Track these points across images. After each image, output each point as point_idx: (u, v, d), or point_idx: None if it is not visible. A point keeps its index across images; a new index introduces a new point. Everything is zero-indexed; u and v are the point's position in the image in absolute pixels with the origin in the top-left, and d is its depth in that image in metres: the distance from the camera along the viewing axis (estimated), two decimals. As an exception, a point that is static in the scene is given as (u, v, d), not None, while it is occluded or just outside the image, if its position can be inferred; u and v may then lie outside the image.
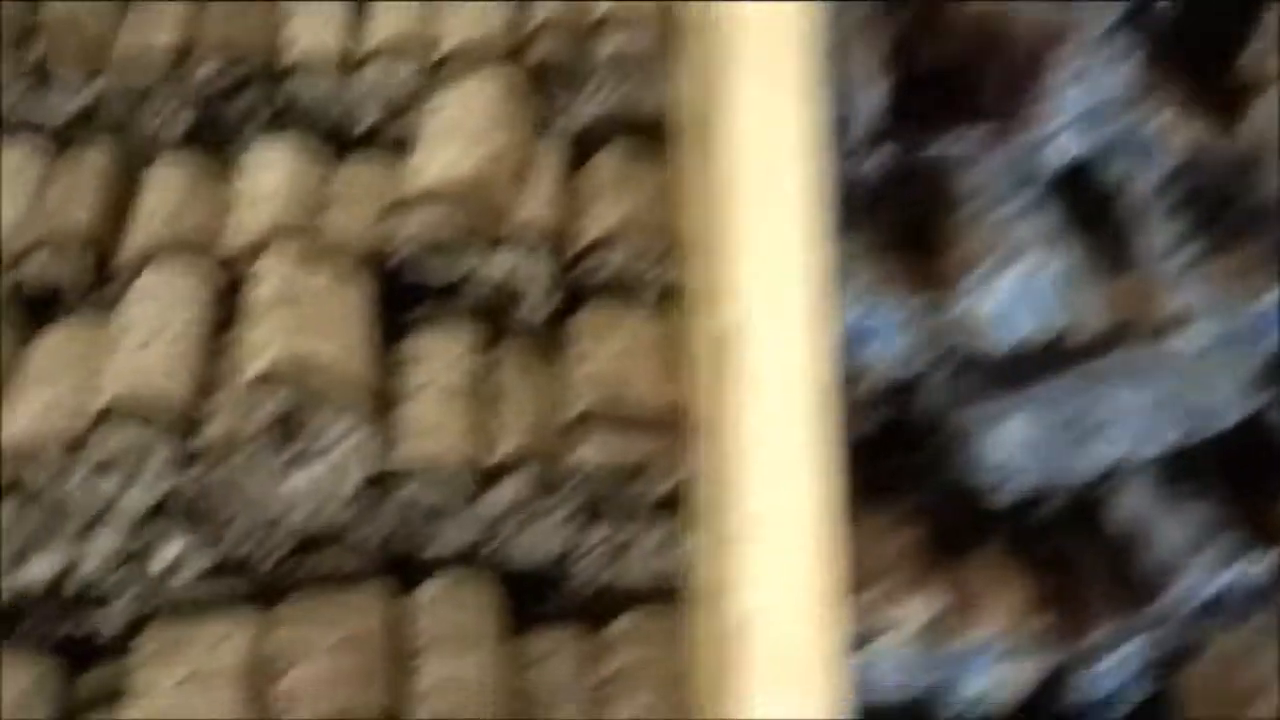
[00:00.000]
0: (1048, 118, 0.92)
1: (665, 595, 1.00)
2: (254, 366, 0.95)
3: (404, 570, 0.98)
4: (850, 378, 0.81)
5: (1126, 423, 0.92)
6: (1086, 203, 0.94)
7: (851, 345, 0.87)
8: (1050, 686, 0.95)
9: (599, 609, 1.00)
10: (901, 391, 0.93)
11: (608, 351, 1.03)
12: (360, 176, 1.14)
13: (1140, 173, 0.95)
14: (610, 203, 1.10)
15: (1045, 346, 0.91)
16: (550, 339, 1.06)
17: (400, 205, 1.05)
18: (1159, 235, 0.93)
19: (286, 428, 0.95)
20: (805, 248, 0.82)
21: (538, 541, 0.99)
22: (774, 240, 0.82)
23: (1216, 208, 0.95)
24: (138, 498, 0.95)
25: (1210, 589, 0.92)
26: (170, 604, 0.96)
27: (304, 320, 0.98)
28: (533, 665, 0.97)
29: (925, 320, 0.91)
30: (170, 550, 0.96)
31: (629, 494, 0.99)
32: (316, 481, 0.95)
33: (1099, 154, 0.96)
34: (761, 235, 0.82)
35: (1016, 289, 0.90)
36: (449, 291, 1.06)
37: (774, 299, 0.82)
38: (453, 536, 0.98)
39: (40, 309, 1.06)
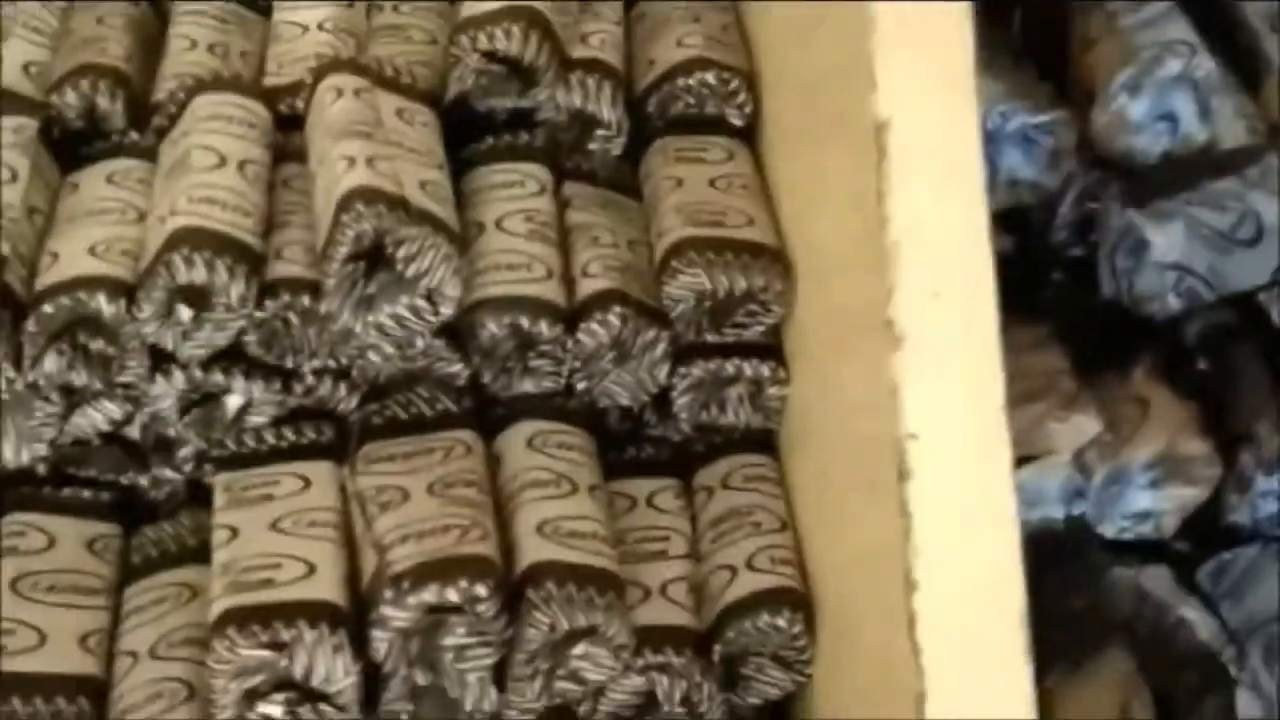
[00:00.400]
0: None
1: (767, 436, 0.95)
2: (333, 195, 0.88)
3: (492, 413, 0.92)
4: (990, 190, 0.75)
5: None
6: (1211, 18, 0.90)
7: (990, 156, 0.82)
8: (1211, 508, 0.91)
9: (698, 451, 0.95)
10: (1044, 204, 0.88)
11: (693, 185, 0.97)
12: (403, 14, 1.07)
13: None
14: (672, 41, 1.04)
15: (1194, 154, 0.87)
16: (628, 173, 1.00)
17: (470, 25, 0.98)
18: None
19: (368, 261, 0.88)
20: (952, 50, 0.77)
21: (632, 381, 0.93)
22: (920, 44, 0.77)
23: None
24: (205, 339, 0.88)
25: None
26: (243, 452, 0.90)
27: (376, 149, 0.91)
28: (630, 510, 0.92)
29: (1066, 129, 0.87)
30: (242, 395, 0.90)
31: (727, 331, 0.93)
32: (399, 318, 0.89)
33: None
34: (905, 38, 0.77)
35: (1162, 94, 0.86)
36: (518, 124, 1.00)
37: (921, 105, 0.76)
38: (542, 377, 0.92)
39: (78, 146, 0.98)
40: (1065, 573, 0.88)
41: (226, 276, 0.87)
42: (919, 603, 0.72)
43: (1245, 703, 0.88)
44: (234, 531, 0.85)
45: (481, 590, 0.82)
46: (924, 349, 0.73)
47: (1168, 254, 0.89)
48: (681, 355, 0.94)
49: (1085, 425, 0.88)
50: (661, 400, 0.95)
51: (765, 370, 0.94)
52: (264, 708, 0.81)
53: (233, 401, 0.90)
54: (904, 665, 0.71)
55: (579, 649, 0.84)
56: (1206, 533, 0.93)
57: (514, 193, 0.97)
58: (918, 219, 0.74)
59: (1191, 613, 0.90)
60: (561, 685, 0.85)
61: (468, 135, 0.99)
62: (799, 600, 0.88)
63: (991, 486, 0.71)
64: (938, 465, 0.73)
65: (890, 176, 0.74)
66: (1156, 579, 0.91)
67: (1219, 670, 0.88)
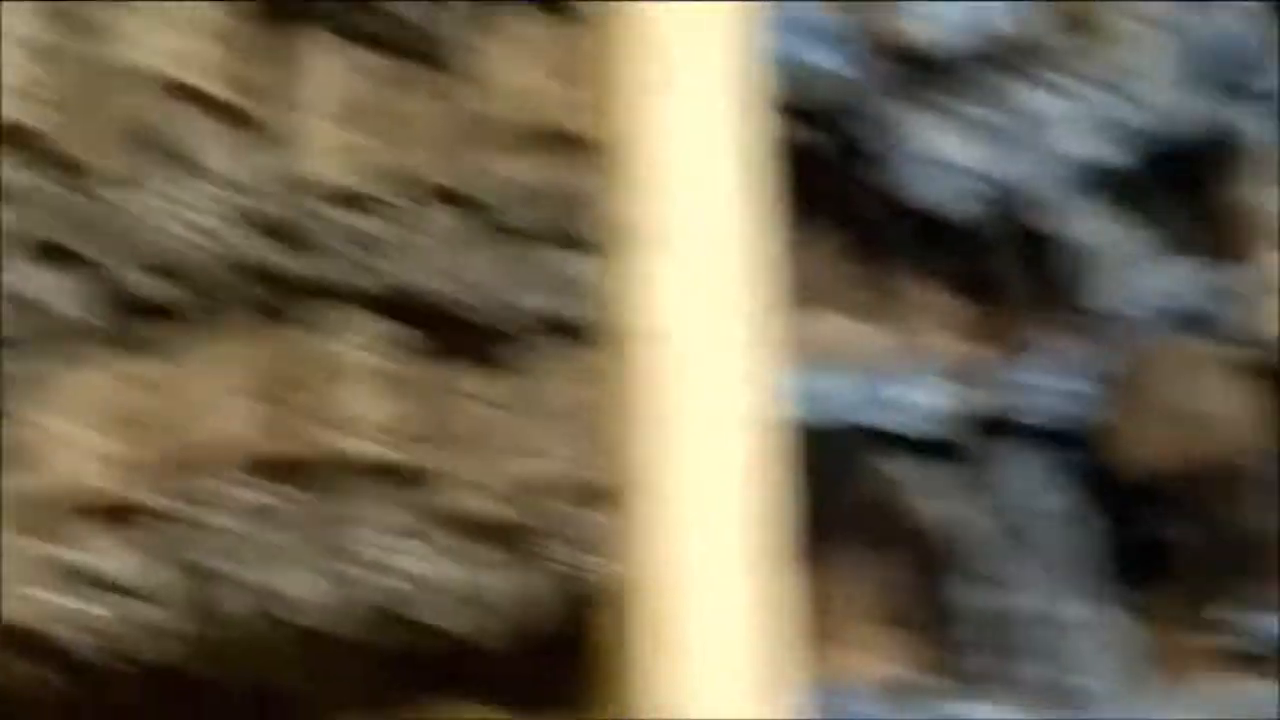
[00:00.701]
0: None
1: (582, 327, 0.95)
2: (123, 79, 0.85)
3: (301, 303, 0.91)
4: (778, 84, 0.74)
5: (1068, 133, 0.87)
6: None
7: (780, 51, 0.80)
8: (988, 407, 0.92)
9: (512, 341, 0.95)
10: (831, 99, 0.87)
11: (514, 67, 0.95)
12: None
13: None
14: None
15: (982, 52, 0.86)
16: (447, 52, 0.98)
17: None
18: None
19: (164, 146, 0.86)
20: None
21: (445, 268, 0.92)
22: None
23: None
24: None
25: (1148, 305, 0.89)
26: (42, 341, 0.88)
27: (172, 26, 0.88)
28: (442, 398, 0.92)
29: (857, 23, 0.85)
30: (39, 285, 0.88)
31: (545, 218, 0.92)
32: (202, 205, 0.87)
33: None
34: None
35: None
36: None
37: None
38: (352, 264, 0.91)
39: None
40: (841, 471, 0.89)
41: (18, 164, 0.85)
42: (664, 504, 0.72)
43: (988, 595, 0.90)
44: (33, 423, 0.84)
45: (282, 485, 0.82)
46: (677, 249, 0.73)
47: (951, 154, 0.88)
48: (502, 243, 0.92)
49: (868, 328, 0.88)
50: (477, 288, 0.93)
51: (579, 260, 0.93)
52: (59, 599, 0.81)
53: (31, 292, 0.88)
54: (658, 560, 0.72)
55: (378, 539, 0.85)
56: (983, 430, 0.94)
57: (332, 70, 0.94)
58: (679, 116, 0.73)
59: (957, 508, 0.91)
60: (370, 576, 0.86)
61: (282, 8, 0.96)
62: (603, 489, 0.88)
63: (741, 387, 0.72)
64: (687, 366, 0.73)
65: (650, 70, 0.72)
66: (925, 476, 0.91)
67: (979, 564, 0.89)
